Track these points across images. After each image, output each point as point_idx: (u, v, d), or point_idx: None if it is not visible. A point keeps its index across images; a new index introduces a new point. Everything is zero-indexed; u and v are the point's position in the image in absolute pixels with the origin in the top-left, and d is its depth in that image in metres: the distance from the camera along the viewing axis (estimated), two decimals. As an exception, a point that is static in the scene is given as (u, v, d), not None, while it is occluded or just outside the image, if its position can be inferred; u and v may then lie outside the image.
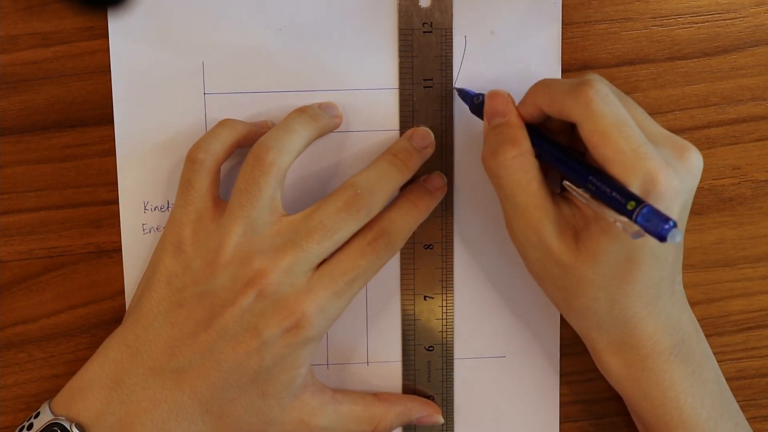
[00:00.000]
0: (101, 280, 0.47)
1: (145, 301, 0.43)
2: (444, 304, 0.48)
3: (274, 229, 0.42)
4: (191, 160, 0.43)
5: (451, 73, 0.46)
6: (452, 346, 0.48)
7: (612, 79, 0.47)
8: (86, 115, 0.46)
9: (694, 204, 0.49)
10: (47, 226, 0.46)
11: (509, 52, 0.46)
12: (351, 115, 0.46)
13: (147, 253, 0.46)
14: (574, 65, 0.47)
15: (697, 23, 0.47)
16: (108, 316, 0.47)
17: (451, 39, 0.46)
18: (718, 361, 0.47)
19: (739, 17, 0.48)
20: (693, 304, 0.49)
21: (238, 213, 0.42)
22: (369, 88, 0.46)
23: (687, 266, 0.49)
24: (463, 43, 0.46)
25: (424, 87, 0.46)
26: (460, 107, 0.46)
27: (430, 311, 0.48)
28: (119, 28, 0.45)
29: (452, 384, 0.49)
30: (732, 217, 0.49)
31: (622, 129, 0.38)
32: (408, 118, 0.46)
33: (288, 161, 0.42)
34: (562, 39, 0.47)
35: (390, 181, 0.43)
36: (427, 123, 0.46)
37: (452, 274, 0.48)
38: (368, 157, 0.46)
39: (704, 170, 0.48)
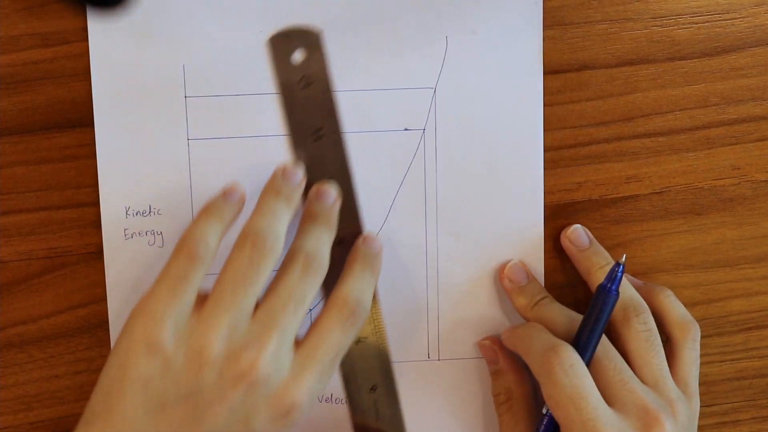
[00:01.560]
0: (101, 280, 0.47)
1: (116, 407, 0.39)
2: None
3: (251, 315, 0.41)
4: (192, 256, 0.41)
5: (337, 120, 0.46)
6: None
7: (612, 79, 0.47)
8: (86, 116, 0.46)
9: (694, 204, 0.49)
10: (47, 226, 0.46)
11: (491, 51, 0.46)
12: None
13: (129, 258, 0.46)
14: (574, 65, 0.47)
15: (697, 23, 0.47)
16: (108, 317, 0.47)
17: (331, 90, 0.46)
18: (718, 362, 0.47)
19: (739, 17, 0.48)
20: (693, 304, 0.50)
21: (229, 304, 0.40)
22: (350, 90, 0.46)
23: (687, 266, 0.49)
24: (444, 43, 0.46)
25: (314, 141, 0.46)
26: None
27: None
28: (98, 31, 0.45)
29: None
30: (732, 217, 0.49)
31: (576, 401, 0.41)
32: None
33: (281, 248, 0.42)
34: (563, 39, 0.47)
35: (325, 239, 0.44)
36: (328, 172, 0.46)
37: (435, 274, 0.48)
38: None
39: (704, 170, 0.49)
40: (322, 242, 0.43)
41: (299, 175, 0.45)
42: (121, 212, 0.46)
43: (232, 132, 0.46)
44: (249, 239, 0.41)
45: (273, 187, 0.44)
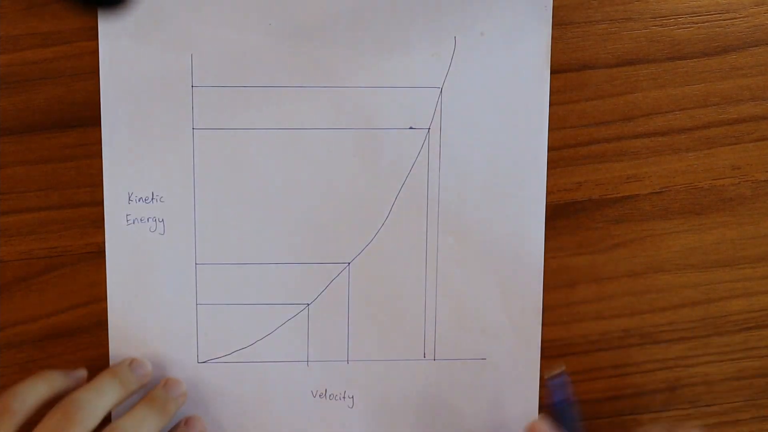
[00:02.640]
0: (101, 280, 0.47)
1: None
2: None
3: None
4: (4, 408, 0.42)
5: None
6: None
7: (612, 79, 0.47)
8: (86, 115, 0.46)
9: (694, 204, 0.49)
10: (47, 226, 0.46)
11: (499, 53, 0.46)
12: (328, 113, 0.46)
13: (130, 244, 0.46)
14: (574, 65, 0.47)
15: (697, 23, 0.47)
16: (108, 316, 0.47)
17: None
18: (718, 362, 0.47)
19: (739, 17, 0.48)
20: (693, 304, 0.50)
21: None
22: (358, 87, 0.46)
23: (687, 266, 0.49)
24: (452, 43, 0.46)
25: None
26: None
27: None
28: (107, 21, 0.45)
29: None
30: (732, 217, 0.49)
31: None
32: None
33: (93, 424, 0.43)
34: (563, 39, 0.47)
35: (150, 423, 0.45)
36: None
37: (435, 274, 0.48)
38: (373, 157, 0.47)
39: (704, 170, 0.49)
40: (144, 424, 0.44)
41: (144, 369, 0.46)
42: (123, 198, 0.46)
43: (237, 123, 0.46)
44: (63, 407, 0.42)
45: (112, 368, 0.46)
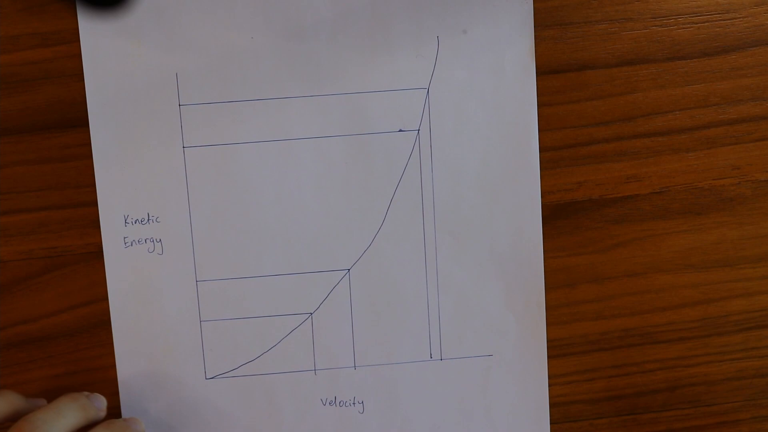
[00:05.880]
0: (101, 280, 0.47)
1: None
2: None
3: None
4: None
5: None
6: None
7: (612, 79, 0.47)
8: (86, 115, 0.46)
9: (694, 204, 0.49)
10: (47, 226, 0.46)
11: (482, 51, 0.46)
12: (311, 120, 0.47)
13: (129, 266, 0.47)
14: (573, 65, 0.47)
15: (697, 23, 0.47)
16: (108, 316, 0.47)
17: None
18: (717, 362, 0.46)
19: (739, 17, 0.48)
20: (693, 304, 0.50)
21: None
22: (344, 93, 0.46)
23: (687, 266, 0.49)
24: (436, 43, 0.46)
25: None
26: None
27: None
28: (90, 40, 0.45)
29: None
30: (732, 217, 0.49)
31: None
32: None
33: None
34: (563, 39, 0.47)
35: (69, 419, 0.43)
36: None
37: (435, 274, 0.48)
38: (373, 159, 0.47)
39: (704, 170, 0.49)
40: (61, 416, 0.43)
41: (103, 403, 0.45)
42: (120, 220, 0.46)
43: (227, 138, 0.46)
44: (19, 426, 0.41)
45: (71, 394, 0.44)
